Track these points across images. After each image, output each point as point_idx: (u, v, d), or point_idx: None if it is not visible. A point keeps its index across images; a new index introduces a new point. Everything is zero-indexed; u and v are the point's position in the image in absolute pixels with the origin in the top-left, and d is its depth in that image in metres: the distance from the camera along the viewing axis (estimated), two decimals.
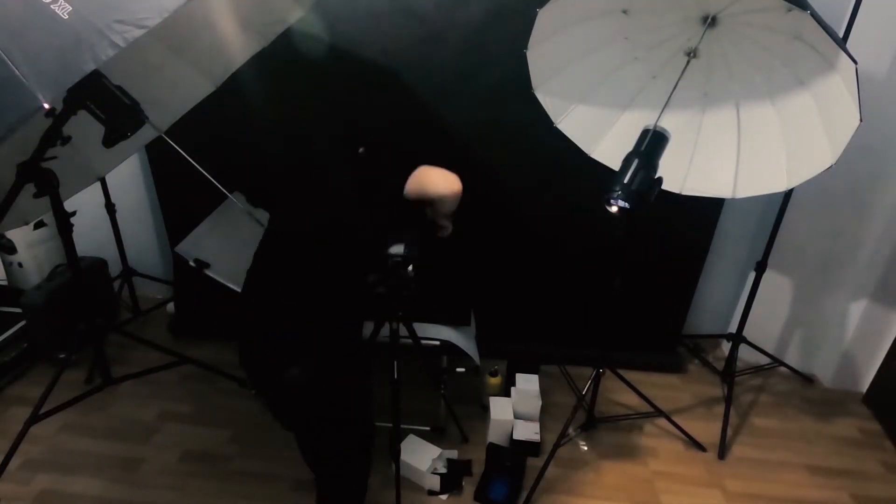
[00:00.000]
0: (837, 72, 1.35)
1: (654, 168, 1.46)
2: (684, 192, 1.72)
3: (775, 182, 1.55)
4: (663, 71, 1.64)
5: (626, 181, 1.44)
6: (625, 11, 1.54)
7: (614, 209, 1.46)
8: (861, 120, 1.29)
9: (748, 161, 1.62)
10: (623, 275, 1.85)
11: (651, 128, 1.47)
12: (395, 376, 1.58)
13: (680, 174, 1.70)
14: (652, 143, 1.46)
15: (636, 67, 1.66)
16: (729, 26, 1.48)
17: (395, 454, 1.73)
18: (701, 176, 1.70)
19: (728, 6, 1.43)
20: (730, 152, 1.64)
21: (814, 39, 1.35)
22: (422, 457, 1.91)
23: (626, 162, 1.47)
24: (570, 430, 2.10)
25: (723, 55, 1.55)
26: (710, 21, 1.47)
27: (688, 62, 1.51)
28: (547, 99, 1.72)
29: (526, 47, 1.60)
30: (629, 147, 1.48)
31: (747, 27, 1.46)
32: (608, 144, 1.76)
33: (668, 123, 1.50)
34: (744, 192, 1.63)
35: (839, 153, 1.40)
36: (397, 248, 1.43)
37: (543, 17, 1.49)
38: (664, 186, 1.52)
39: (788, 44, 1.42)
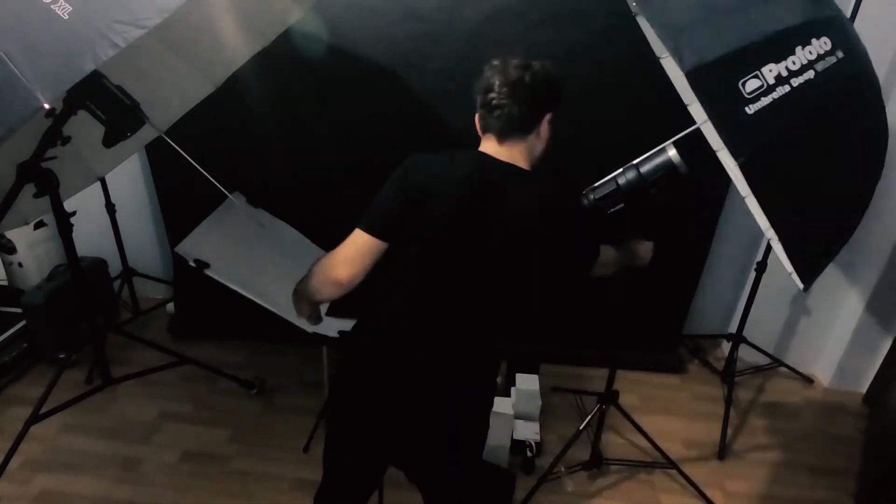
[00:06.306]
0: None
1: (634, 193, 1.36)
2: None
3: None
4: None
5: (590, 188, 1.41)
6: None
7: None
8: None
9: None
10: (624, 276, 1.84)
11: (667, 152, 1.34)
12: None
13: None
14: (655, 170, 1.35)
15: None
16: None
17: None
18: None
19: None
20: None
21: None
22: None
23: (618, 172, 1.39)
24: (562, 468, 2.02)
25: None
26: None
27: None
28: None
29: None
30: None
31: None
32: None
33: None
34: None
35: None
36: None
37: None
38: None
39: None
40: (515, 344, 2.57)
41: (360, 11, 2.03)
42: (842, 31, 1.15)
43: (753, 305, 2.31)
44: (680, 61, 1.09)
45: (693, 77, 1.08)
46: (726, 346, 2.63)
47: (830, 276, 2.40)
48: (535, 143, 1.26)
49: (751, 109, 1.09)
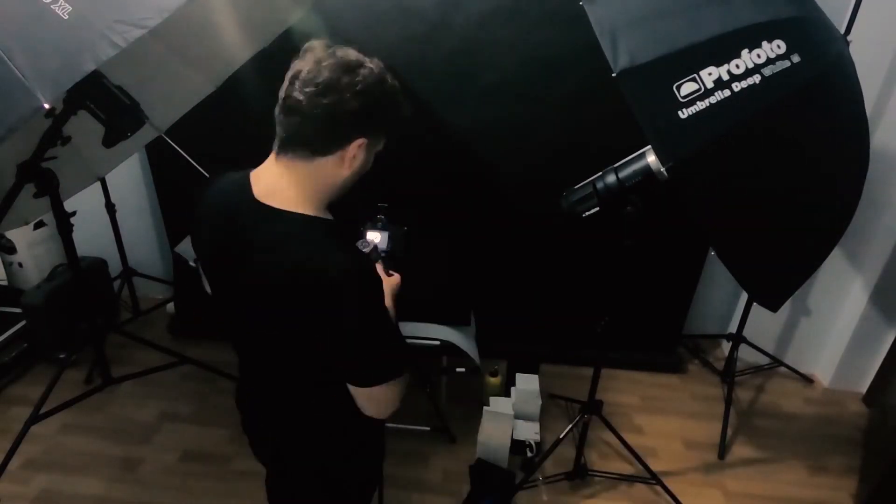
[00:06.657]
0: None
1: (610, 197, 1.33)
2: None
3: None
4: None
5: (569, 190, 1.38)
6: None
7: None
8: None
9: None
10: (626, 276, 1.84)
11: (646, 158, 1.27)
12: None
13: None
14: (633, 174, 1.30)
15: None
16: None
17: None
18: None
19: None
20: None
21: None
22: None
23: (597, 176, 1.35)
24: (539, 477, 2.00)
25: None
26: None
27: None
28: None
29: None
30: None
31: None
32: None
33: None
34: None
35: None
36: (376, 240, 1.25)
37: None
38: None
39: None
40: (515, 344, 2.58)
41: (360, 11, 2.03)
42: (802, 34, 1.06)
43: (753, 305, 2.31)
44: (612, 62, 1.06)
45: (623, 78, 1.05)
46: (726, 346, 2.63)
47: (830, 276, 2.40)
48: (330, 172, 0.92)
49: (684, 113, 1.03)
